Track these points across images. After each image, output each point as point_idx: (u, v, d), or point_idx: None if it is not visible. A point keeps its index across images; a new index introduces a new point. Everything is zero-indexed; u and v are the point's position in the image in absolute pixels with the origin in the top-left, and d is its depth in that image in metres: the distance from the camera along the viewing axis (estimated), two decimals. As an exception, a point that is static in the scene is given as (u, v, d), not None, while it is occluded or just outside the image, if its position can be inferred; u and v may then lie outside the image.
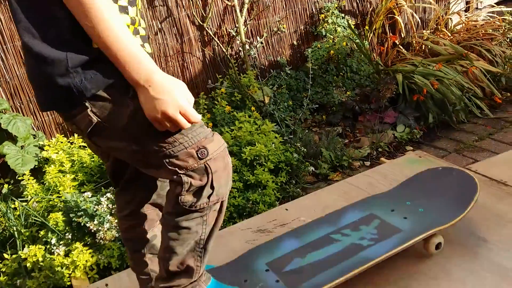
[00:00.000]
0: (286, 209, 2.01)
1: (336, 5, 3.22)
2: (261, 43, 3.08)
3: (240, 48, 2.99)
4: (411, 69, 2.99)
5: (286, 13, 3.14)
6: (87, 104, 0.94)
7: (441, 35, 3.59)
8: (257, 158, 2.31)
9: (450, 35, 3.57)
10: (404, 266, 1.58)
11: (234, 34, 2.97)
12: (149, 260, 1.27)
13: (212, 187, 1.04)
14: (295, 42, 3.24)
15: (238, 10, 2.87)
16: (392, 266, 1.58)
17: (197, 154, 1.01)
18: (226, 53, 2.95)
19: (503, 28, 3.67)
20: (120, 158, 1.11)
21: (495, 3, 4.28)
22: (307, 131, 2.85)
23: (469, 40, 3.47)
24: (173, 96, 0.92)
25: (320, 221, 1.67)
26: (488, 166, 2.29)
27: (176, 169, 1.00)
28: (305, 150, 2.53)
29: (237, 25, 2.93)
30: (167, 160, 1.00)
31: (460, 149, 2.64)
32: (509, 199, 1.89)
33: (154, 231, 1.28)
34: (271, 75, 3.09)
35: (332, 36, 3.19)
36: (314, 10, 3.22)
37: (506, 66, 3.42)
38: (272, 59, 3.17)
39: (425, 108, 2.91)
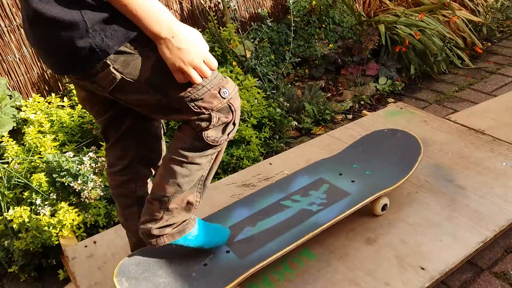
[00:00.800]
0: (270, 164, 2.03)
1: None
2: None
3: (219, 0, 2.89)
4: (393, 20, 2.96)
5: (267, -38, 3.02)
6: (108, 61, 0.94)
7: (424, -16, 3.52)
8: (240, 114, 2.30)
9: (433, -17, 3.51)
10: (384, 214, 1.64)
11: (213, -14, 2.86)
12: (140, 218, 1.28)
13: (234, 124, 1.12)
14: (276, -7, 3.14)
15: (216, -40, 2.74)
16: (372, 214, 1.63)
17: (220, 94, 1.06)
18: (205, 5, 2.85)
19: (486, -25, 3.62)
20: (138, 110, 1.11)
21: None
22: (290, 85, 2.83)
23: (452, -11, 3.42)
24: (196, 45, 0.95)
25: (271, 188, 1.67)
26: (467, 116, 2.34)
27: (203, 110, 1.05)
28: (288, 105, 2.52)
29: (215, -24, 2.82)
30: (193, 104, 1.03)
31: (441, 99, 2.68)
32: (486, 147, 1.95)
33: (145, 189, 1.30)
34: (252, 28, 3.02)
35: (314, -14, 3.11)
36: (295, -42, 3.11)
37: (487, 16, 3.41)
38: (253, 11, 3.09)
39: (407, 60, 2.91)
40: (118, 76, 0.96)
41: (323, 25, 3.10)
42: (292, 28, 2.95)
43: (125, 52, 0.95)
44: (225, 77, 1.10)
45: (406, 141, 1.78)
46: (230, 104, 1.08)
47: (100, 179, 1.86)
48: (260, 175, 1.94)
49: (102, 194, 1.84)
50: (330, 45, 2.93)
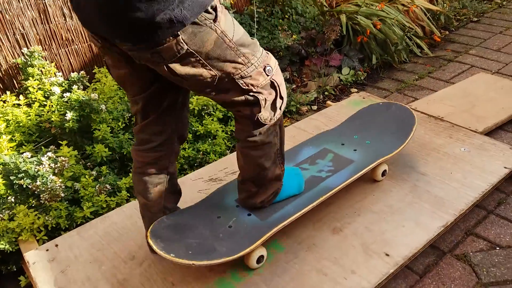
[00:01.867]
0: (237, 157, 2.03)
1: None
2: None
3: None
4: (354, 10, 2.99)
5: (227, -48, 2.97)
6: (179, 32, 0.99)
7: (383, -26, 3.57)
8: (205, 108, 2.28)
9: (392, -27, 3.57)
10: (350, 203, 1.66)
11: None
12: (165, 197, 1.37)
13: (281, 97, 1.23)
14: (238, -16, 3.11)
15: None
16: (339, 204, 1.66)
17: (265, 71, 1.16)
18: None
19: (443, -35, 3.71)
20: (187, 86, 1.15)
21: None
22: (254, 77, 2.81)
23: (410, -21, 3.49)
24: None
25: None
26: (426, 103, 2.40)
27: (251, 87, 1.15)
28: (253, 96, 2.51)
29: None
30: (242, 81, 1.13)
31: (402, 88, 2.74)
32: (445, 133, 2.02)
33: (175, 166, 1.38)
34: (215, 20, 2.97)
35: (275, -23, 3.09)
36: (256, -52, 3.08)
37: (445, 5, 3.50)
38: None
39: (368, 49, 2.96)
40: (185, 47, 1.01)
41: (286, 16, 3.10)
42: (255, 19, 2.93)
43: (195, 23, 1.00)
44: (267, 53, 1.20)
45: (401, 112, 1.89)
46: (273, 80, 1.19)
47: (60, 180, 1.79)
48: (227, 169, 1.93)
49: (63, 195, 1.77)
50: (294, 36, 2.93)
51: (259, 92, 1.17)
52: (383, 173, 1.72)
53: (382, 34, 2.89)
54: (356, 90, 2.78)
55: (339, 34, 2.82)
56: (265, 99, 1.18)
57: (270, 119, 1.22)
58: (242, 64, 1.12)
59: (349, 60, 2.94)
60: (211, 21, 1.04)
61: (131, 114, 2.13)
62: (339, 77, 2.86)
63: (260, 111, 1.19)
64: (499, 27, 3.42)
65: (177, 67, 1.06)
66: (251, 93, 1.16)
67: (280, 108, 1.24)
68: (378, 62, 2.97)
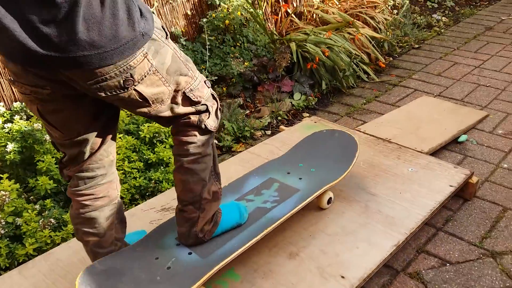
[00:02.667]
0: (190, 185, 1.98)
1: (228, -26, 3.17)
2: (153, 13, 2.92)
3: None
4: (303, 38, 3.09)
5: (177, -19, 3.00)
6: (145, 50, 1.05)
7: (330, 4, 3.74)
8: (157, 135, 2.23)
9: (338, 3, 3.74)
10: (305, 226, 1.66)
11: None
12: (115, 228, 1.34)
13: (220, 109, 1.33)
14: (189, 12, 3.13)
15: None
16: (294, 228, 1.66)
17: (205, 84, 1.27)
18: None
19: (384, -4, 3.94)
20: (139, 108, 1.14)
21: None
22: (207, 104, 2.81)
23: (355, 8, 3.67)
24: None
25: (224, 190, 1.68)
26: (375, 126, 2.49)
27: (198, 99, 1.24)
28: (206, 123, 2.50)
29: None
30: (192, 94, 1.22)
31: (351, 112, 2.83)
32: (393, 154, 2.09)
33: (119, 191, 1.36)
34: (167, 48, 2.97)
35: (226, 6, 3.15)
36: (206, -22, 3.14)
37: (388, 33, 3.70)
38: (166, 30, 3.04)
39: (318, 76, 3.05)
40: (153, 64, 1.07)
41: (238, 44, 3.15)
42: (207, 46, 2.95)
43: (155, 40, 1.08)
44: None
45: (344, 139, 1.94)
46: (212, 92, 1.30)
47: (0, 216, 1.67)
48: (180, 198, 1.88)
49: (3, 232, 1.65)
50: (246, 63, 2.97)
51: (206, 104, 1.26)
52: (329, 201, 1.72)
53: (330, 61, 3.00)
54: (308, 114, 2.84)
55: (289, 61, 2.89)
56: (212, 107, 1.28)
57: (214, 127, 1.30)
58: (190, 77, 1.20)
59: (300, 86, 3.01)
60: (165, 38, 1.13)
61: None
62: (291, 102, 2.91)
63: (208, 117, 1.27)
64: (439, 53, 3.64)
65: (144, 89, 1.08)
66: (199, 105, 1.25)
67: (219, 119, 1.33)
68: (328, 88, 3.07)
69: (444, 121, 2.48)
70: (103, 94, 1.05)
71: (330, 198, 1.73)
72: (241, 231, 1.46)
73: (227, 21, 3.05)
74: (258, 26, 3.20)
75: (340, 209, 1.74)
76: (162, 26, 1.15)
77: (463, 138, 2.36)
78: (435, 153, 2.26)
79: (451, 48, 3.71)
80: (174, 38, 3.05)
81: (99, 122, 1.19)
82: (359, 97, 3.03)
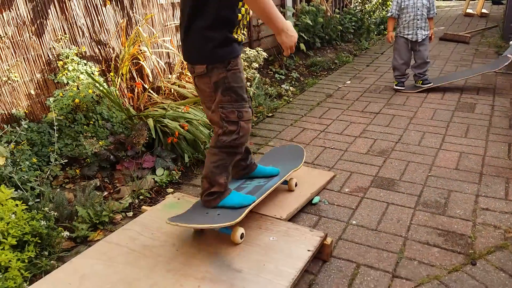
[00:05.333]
0: (34, 291, 1.72)
1: (76, 52, 3.06)
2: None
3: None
4: (161, 113, 3.09)
5: (17, 60, 2.78)
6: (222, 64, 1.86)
7: (186, 79, 3.86)
8: (-9, 235, 1.91)
9: (194, 78, 3.88)
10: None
11: None
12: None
13: (237, 134, 1.94)
14: (32, 92, 2.90)
15: None
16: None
17: (237, 114, 1.91)
18: None
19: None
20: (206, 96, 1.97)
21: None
22: (58, 189, 2.55)
23: (210, 82, 3.84)
24: (294, 35, 1.85)
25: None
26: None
27: (224, 116, 1.91)
28: (56, 214, 2.24)
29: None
30: (222, 110, 1.90)
31: (214, 184, 2.85)
32: (255, 224, 2.12)
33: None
34: (6, 131, 2.66)
35: (75, 84, 3.00)
36: (51, 56, 2.97)
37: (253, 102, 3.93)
38: (5, 112, 2.75)
39: (180, 149, 3.04)
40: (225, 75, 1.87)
41: (92, 122, 2.99)
42: (55, 127, 2.73)
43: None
44: (248, 109, 1.99)
45: (294, 148, 2.84)
46: (240, 122, 1.93)
47: None
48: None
49: None
50: (100, 142, 2.82)
51: (227, 123, 1.93)
52: (296, 184, 2.57)
53: (190, 134, 3.03)
54: (172, 190, 2.77)
55: (147, 137, 2.83)
56: (227, 127, 1.93)
57: (225, 140, 1.95)
58: (226, 101, 1.90)
59: (162, 161, 2.95)
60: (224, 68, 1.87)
61: None
62: (153, 179, 2.82)
63: (222, 134, 1.96)
64: (290, 120, 3.98)
65: (211, 87, 1.92)
66: (224, 121, 1.93)
67: (234, 140, 1.96)
68: (191, 160, 3.07)
69: (299, 184, 2.65)
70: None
71: (243, 233, 2.05)
72: (257, 192, 2.21)
73: (77, 100, 2.90)
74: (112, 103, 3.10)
75: (206, 293, 1.67)
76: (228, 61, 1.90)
77: (316, 199, 2.54)
78: (294, 217, 2.38)
79: (299, 115, 4.10)
80: (16, 120, 2.76)
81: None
82: (221, 167, 3.09)
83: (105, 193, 2.69)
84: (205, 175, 2.01)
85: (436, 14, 4.58)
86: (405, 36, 4.47)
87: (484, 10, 9.94)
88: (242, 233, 2.00)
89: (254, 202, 2.06)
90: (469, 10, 10.02)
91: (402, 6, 4.38)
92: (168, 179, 2.85)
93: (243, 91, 1.91)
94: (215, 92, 1.88)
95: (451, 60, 6.01)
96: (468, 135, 3.44)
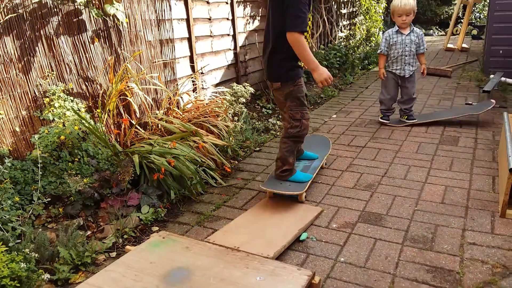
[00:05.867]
0: None
1: (62, 88, 3.06)
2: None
3: None
4: (148, 149, 3.07)
5: (2, 97, 2.77)
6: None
7: (173, 114, 3.87)
8: (-32, 280, 1.84)
9: (181, 113, 3.90)
10: None
11: None
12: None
13: (300, 128, 2.91)
14: (18, 129, 2.87)
15: None
16: None
17: (300, 115, 2.89)
18: None
19: (225, 105, 4.27)
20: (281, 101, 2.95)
21: (215, 85, 4.98)
22: (40, 229, 2.49)
23: (198, 118, 3.87)
24: (325, 73, 2.71)
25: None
26: (223, 234, 2.50)
27: (291, 116, 2.89)
28: (37, 255, 2.18)
29: None
30: (290, 112, 2.87)
31: (201, 221, 2.81)
32: (242, 263, 2.08)
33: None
34: (-12, 170, 2.61)
35: (61, 120, 2.99)
36: (37, 93, 2.97)
37: (231, 138, 3.95)
38: (-11, 150, 2.71)
39: (166, 186, 3.01)
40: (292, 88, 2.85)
41: (77, 159, 2.96)
42: (39, 164, 2.69)
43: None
44: (307, 111, 2.98)
45: (320, 138, 3.94)
46: (302, 120, 2.91)
47: None
48: None
49: None
50: (85, 179, 2.78)
51: (294, 120, 2.90)
52: (326, 164, 3.65)
53: (177, 170, 3.01)
54: (157, 228, 2.72)
55: (133, 174, 2.81)
56: (293, 123, 2.90)
57: (292, 133, 2.93)
58: (294, 105, 2.88)
59: (148, 198, 2.92)
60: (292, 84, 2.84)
61: None
62: (138, 217, 2.78)
63: (290, 128, 2.93)
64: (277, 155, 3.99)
65: (284, 96, 2.88)
66: (291, 119, 2.90)
67: (298, 132, 2.93)
68: (177, 197, 3.04)
69: (286, 220, 2.63)
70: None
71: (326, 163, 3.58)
72: (308, 170, 3.24)
73: (62, 137, 2.88)
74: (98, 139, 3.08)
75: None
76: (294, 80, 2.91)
77: (303, 236, 2.52)
78: (282, 255, 2.34)
79: (287, 149, 4.12)
80: (0, 158, 2.72)
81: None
82: (208, 203, 3.06)
83: (88, 232, 2.63)
84: (279, 157, 2.99)
85: (426, 49, 4.69)
86: (393, 71, 4.57)
87: (464, 45, 10.29)
88: (305, 195, 3.01)
89: (311, 178, 3.08)
90: (450, 45, 10.36)
91: (391, 43, 4.49)
92: (154, 217, 2.81)
93: (304, 99, 2.90)
94: (286, 100, 2.88)
95: (434, 94, 6.16)
96: (453, 168, 3.48)
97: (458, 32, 12.86)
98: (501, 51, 6.93)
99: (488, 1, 9.74)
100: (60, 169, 2.88)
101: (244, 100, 4.59)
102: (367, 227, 2.64)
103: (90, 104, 3.34)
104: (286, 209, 2.82)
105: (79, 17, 3.20)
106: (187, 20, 4.39)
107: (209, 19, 4.84)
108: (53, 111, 2.99)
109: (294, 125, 2.89)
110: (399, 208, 2.86)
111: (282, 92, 2.84)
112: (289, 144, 2.94)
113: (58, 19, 3.05)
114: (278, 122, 4.96)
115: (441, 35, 14.44)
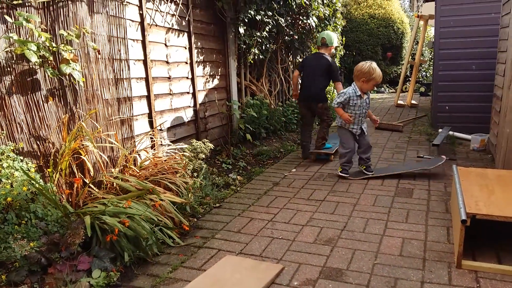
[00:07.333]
0: None
1: (12, 148, 2.95)
2: None
3: None
4: (101, 210, 2.96)
5: None
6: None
7: (130, 172, 3.79)
8: None
9: (138, 171, 3.82)
10: None
11: None
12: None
13: (329, 121, 5.71)
14: (-41, 191, 2.70)
15: None
16: None
17: (329, 115, 5.71)
18: None
19: (184, 161, 4.24)
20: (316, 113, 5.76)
21: (174, 141, 4.97)
22: (-23, 301, 2.27)
23: (156, 175, 3.80)
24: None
25: None
26: (180, 298, 2.37)
27: (325, 115, 5.68)
28: (-31, 331, 1.97)
29: None
30: (325, 113, 5.68)
31: (156, 284, 2.67)
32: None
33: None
34: None
35: (9, 181, 2.84)
36: (-16, 154, 2.83)
37: (189, 195, 3.88)
38: None
39: (119, 247, 2.87)
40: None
41: (24, 221, 2.79)
42: (-19, 229, 2.51)
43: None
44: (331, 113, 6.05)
45: (333, 136, 6.48)
46: (330, 118, 5.73)
47: None
48: None
49: None
50: (31, 243, 2.60)
51: (326, 117, 5.68)
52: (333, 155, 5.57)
53: (131, 230, 2.89)
54: (109, 293, 2.56)
55: (83, 236, 2.67)
56: (325, 118, 5.68)
57: (327, 123, 5.69)
58: (326, 111, 5.71)
59: (99, 261, 2.76)
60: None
61: None
62: (89, 282, 2.60)
63: (326, 118, 5.66)
64: (237, 210, 3.94)
65: (319, 107, 5.68)
66: (325, 117, 5.66)
67: (328, 123, 5.70)
68: (131, 259, 2.89)
69: (246, 280, 2.55)
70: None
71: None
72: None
73: (9, 198, 2.72)
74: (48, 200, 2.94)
75: None
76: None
77: (264, 296, 2.44)
78: (241, 317, 2.24)
79: (247, 205, 4.08)
80: None
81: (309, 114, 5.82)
82: (165, 265, 2.93)
83: (33, 301, 2.43)
84: (321, 136, 5.63)
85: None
86: (350, 130, 4.82)
87: (413, 101, 10.94)
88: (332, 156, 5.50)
89: (332, 146, 5.89)
90: (400, 101, 10.99)
91: (351, 104, 4.74)
92: (105, 281, 2.64)
93: (329, 108, 5.67)
94: (322, 109, 5.59)
95: (388, 148, 6.41)
96: (409, 220, 3.56)
97: (407, 90, 13.71)
98: (447, 107, 7.42)
99: (432, 61, 10.55)
100: (6, 232, 2.69)
101: (203, 156, 4.58)
102: (328, 283, 2.59)
103: (41, 164, 3.22)
104: (247, 268, 2.74)
105: (34, 76, 3.16)
106: (146, 79, 4.43)
107: (169, 78, 4.92)
108: (0, 172, 2.85)
109: (326, 120, 5.64)
110: (359, 262, 2.85)
111: (322, 106, 5.61)
112: (326, 129, 5.64)
113: (11, 78, 3.00)
114: (238, 177, 4.96)
115: (392, 92, 15.32)
